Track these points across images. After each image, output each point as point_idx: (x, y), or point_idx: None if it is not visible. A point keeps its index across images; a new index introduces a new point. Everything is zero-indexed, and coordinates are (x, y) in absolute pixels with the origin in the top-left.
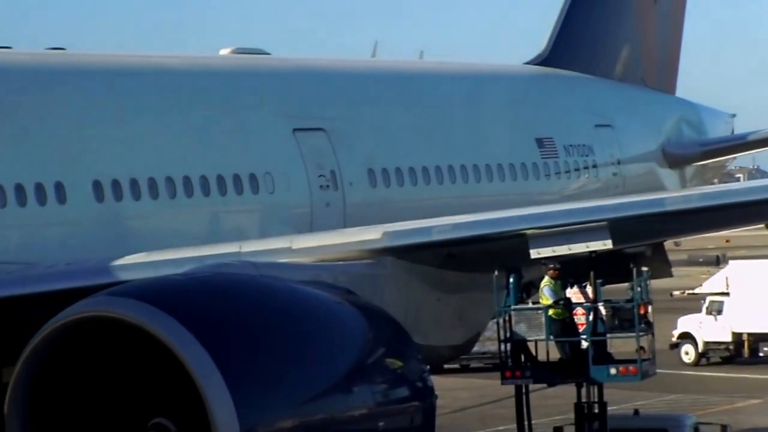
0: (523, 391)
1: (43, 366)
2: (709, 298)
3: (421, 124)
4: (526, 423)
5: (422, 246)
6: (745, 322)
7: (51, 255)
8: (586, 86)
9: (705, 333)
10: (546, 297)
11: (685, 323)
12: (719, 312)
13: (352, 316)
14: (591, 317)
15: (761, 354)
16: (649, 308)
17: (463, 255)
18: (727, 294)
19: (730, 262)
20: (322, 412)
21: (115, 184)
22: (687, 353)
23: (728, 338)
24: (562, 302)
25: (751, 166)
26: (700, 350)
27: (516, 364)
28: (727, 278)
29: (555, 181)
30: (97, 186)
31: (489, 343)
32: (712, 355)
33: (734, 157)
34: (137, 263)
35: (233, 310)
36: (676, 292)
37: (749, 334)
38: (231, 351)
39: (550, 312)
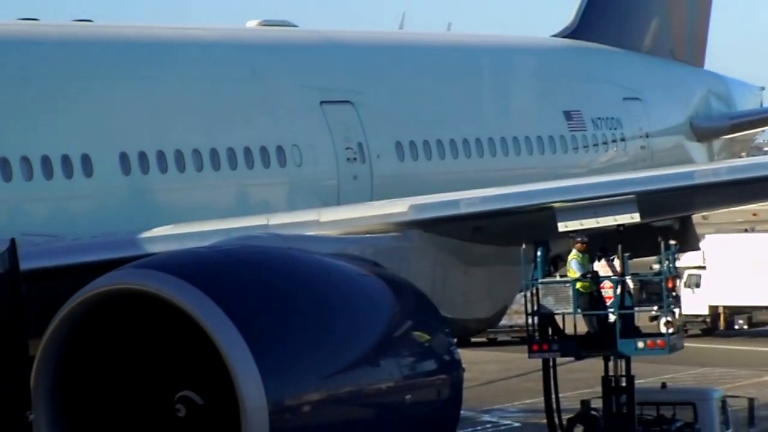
0: (551, 364)
1: (70, 339)
2: (687, 272)
3: (449, 97)
4: (553, 396)
5: (449, 219)
6: (721, 295)
7: (77, 227)
8: (614, 59)
9: (683, 306)
10: (573, 270)
11: None
12: (697, 285)
13: (380, 289)
14: (618, 290)
15: (736, 327)
16: (677, 282)
17: (490, 228)
18: (704, 268)
19: (707, 236)
20: (349, 384)
21: (142, 157)
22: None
23: (705, 311)
24: (589, 275)
25: None
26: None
27: (543, 337)
28: (703, 252)
29: (583, 155)
30: (123, 158)
31: (516, 316)
32: (690, 328)
33: (763, 131)
34: (163, 236)
35: (260, 283)
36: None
37: (725, 307)
38: (258, 323)
39: (578, 285)
